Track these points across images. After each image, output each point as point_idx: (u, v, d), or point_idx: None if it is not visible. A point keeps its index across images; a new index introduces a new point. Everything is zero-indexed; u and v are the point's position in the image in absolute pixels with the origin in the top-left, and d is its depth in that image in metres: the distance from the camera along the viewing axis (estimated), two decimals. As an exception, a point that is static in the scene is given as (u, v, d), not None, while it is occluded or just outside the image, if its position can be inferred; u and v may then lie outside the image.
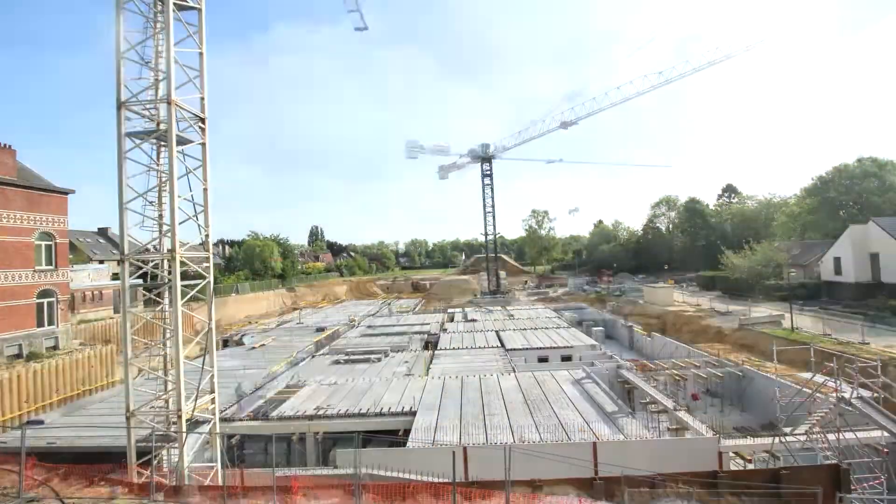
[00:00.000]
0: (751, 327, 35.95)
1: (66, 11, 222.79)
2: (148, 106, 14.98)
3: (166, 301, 15.30)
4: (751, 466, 16.58)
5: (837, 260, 45.34)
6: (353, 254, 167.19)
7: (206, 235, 15.80)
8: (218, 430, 15.80)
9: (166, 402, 15.37)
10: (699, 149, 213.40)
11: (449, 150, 79.50)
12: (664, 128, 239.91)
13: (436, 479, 11.99)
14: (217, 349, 19.44)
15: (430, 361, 30.82)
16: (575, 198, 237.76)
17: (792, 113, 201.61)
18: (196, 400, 14.86)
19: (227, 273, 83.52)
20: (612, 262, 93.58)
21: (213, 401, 16.08)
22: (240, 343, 39.28)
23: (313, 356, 34.25)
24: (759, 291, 48.47)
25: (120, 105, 14.12)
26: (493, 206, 78.34)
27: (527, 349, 33.06)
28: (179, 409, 14.08)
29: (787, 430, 15.67)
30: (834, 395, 15.89)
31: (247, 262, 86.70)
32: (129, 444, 14.39)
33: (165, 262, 14.90)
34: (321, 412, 20.26)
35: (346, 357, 32.04)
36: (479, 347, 34.64)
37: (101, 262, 59.45)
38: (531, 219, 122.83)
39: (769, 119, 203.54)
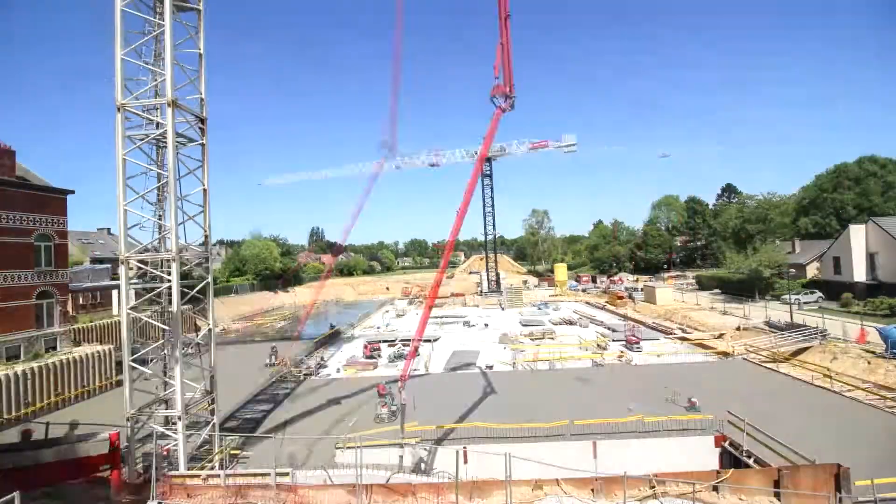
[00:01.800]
0: (750, 326, 35.94)
1: (66, 10, 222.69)
2: (147, 107, 14.97)
3: (165, 301, 15.30)
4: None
5: (837, 260, 45.34)
6: (353, 254, 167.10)
7: (206, 236, 15.79)
8: (218, 431, 15.80)
9: (166, 402, 15.37)
10: (700, 147, 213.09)
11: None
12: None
13: (436, 480, 12.00)
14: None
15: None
16: (575, 197, 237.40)
17: (792, 112, 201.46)
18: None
19: (227, 273, 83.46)
20: (611, 262, 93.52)
21: (212, 401, 16.09)
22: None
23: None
24: (759, 291, 48.47)
25: (119, 107, 14.10)
26: (492, 206, 78.44)
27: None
28: (179, 411, 14.07)
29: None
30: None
31: (246, 262, 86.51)
32: (129, 446, 14.37)
33: (165, 262, 14.89)
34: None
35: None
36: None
37: (101, 262, 59.39)
38: (531, 218, 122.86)
39: (769, 117, 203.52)
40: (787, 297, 37.48)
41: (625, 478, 10.49)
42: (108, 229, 69.83)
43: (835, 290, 43.35)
